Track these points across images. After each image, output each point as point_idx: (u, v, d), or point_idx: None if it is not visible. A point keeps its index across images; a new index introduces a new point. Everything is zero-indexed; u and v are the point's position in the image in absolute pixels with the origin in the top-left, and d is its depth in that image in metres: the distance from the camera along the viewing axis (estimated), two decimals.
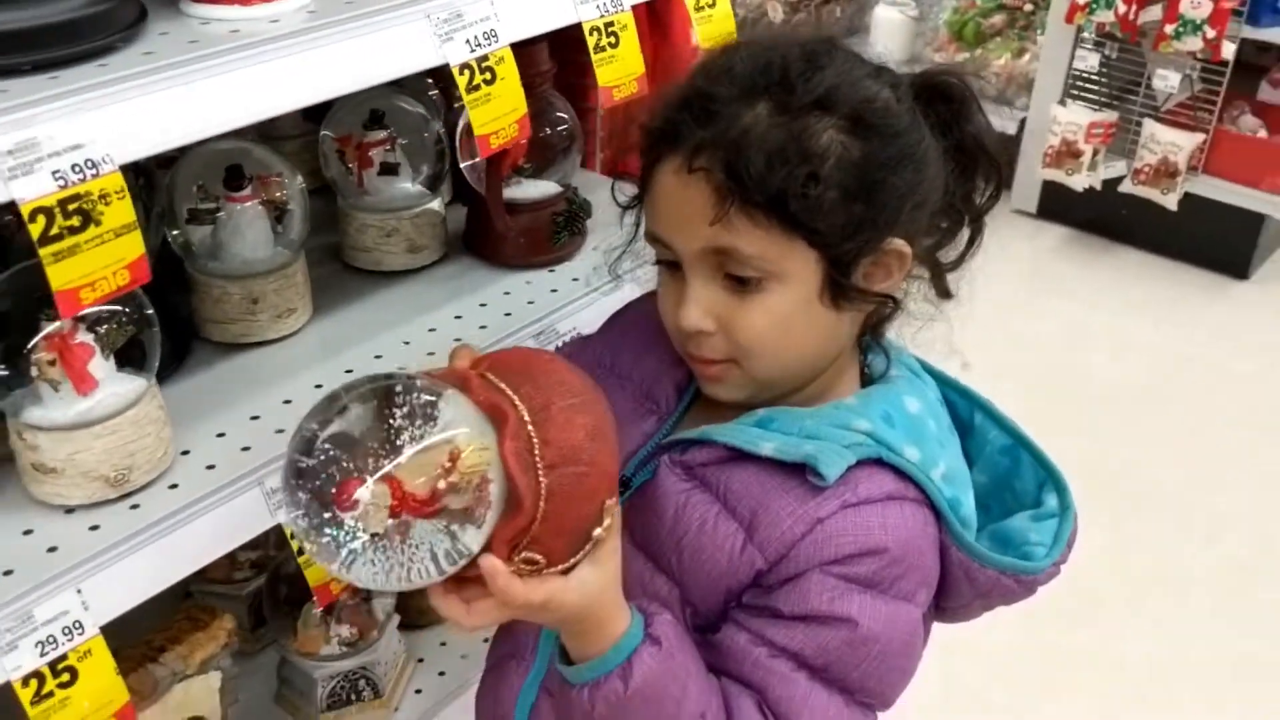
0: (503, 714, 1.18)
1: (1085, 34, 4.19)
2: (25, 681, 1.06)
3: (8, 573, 1.09)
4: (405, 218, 1.56)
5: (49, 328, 1.11)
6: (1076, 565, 2.98)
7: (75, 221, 0.94)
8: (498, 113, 1.25)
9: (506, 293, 1.56)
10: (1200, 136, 4.11)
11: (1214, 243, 4.29)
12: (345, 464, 0.82)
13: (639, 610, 0.98)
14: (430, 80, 1.68)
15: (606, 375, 1.16)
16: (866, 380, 1.13)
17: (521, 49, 1.37)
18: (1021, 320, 4.17)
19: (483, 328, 1.48)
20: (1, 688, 1.05)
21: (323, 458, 0.83)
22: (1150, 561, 3.01)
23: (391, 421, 0.83)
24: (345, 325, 1.48)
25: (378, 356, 1.42)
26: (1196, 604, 2.89)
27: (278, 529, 1.25)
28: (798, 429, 1.02)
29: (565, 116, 1.60)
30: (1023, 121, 4.52)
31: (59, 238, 0.93)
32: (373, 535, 0.82)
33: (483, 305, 1.53)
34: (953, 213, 1.08)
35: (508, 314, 1.51)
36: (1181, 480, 3.31)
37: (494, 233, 1.56)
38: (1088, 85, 4.30)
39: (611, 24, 1.36)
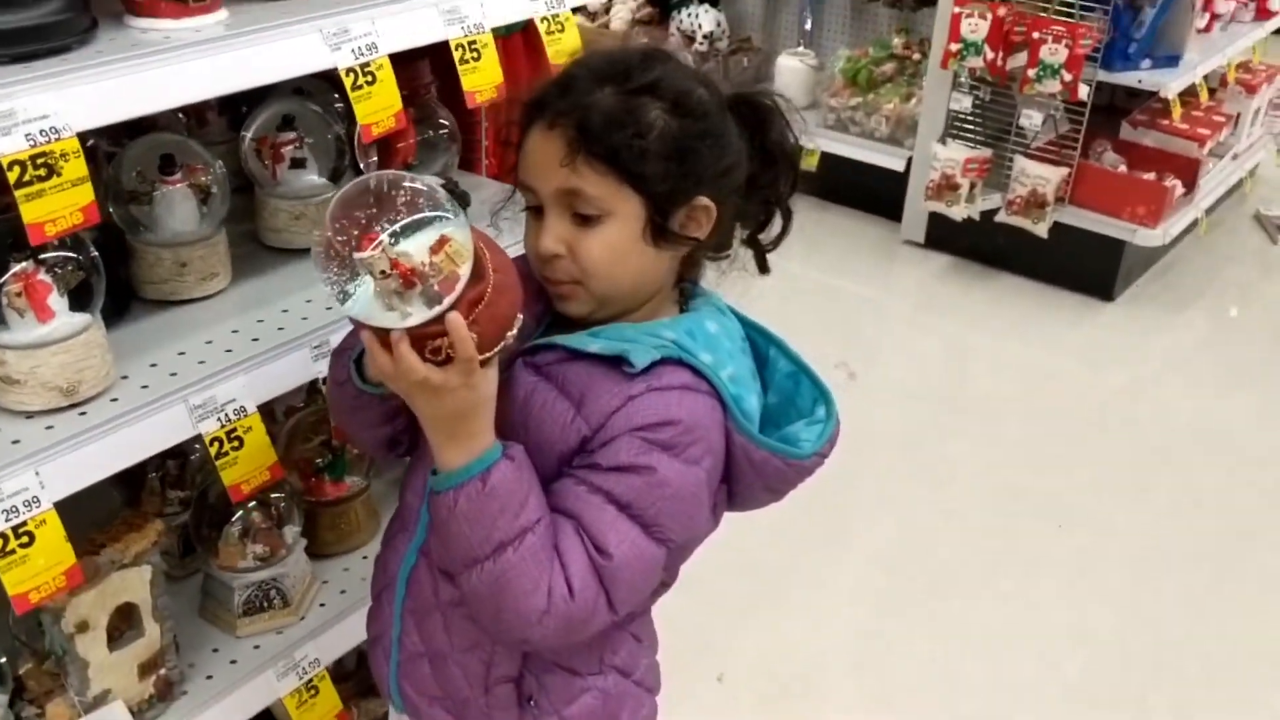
0: (389, 578, 1.50)
1: (960, 78, 4.61)
2: None
3: None
4: (311, 204, 1.88)
5: (17, 266, 1.42)
6: (942, 546, 3.41)
7: (42, 172, 1.26)
8: (377, 107, 1.58)
9: None
10: (1066, 170, 4.54)
11: (1081, 268, 4.70)
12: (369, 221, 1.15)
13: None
14: (336, 95, 2.01)
15: None
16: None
17: (406, 64, 1.72)
18: (909, 337, 4.56)
19: None
20: None
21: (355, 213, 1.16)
22: (1003, 545, 3.37)
23: (405, 198, 1.17)
24: (259, 290, 1.80)
25: (284, 311, 1.73)
26: (1046, 584, 3.23)
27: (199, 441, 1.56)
28: (620, 335, 1.34)
29: (446, 121, 1.94)
30: (909, 160, 4.93)
31: (30, 184, 1.26)
32: (377, 276, 1.14)
33: None
34: (761, 199, 1.41)
35: None
36: (1041, 477, 3.67)
37: None
38: (965, 125, 4.73)
39: (474, 42, 1.70)
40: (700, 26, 5.46)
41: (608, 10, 5.72)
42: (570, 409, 1.32)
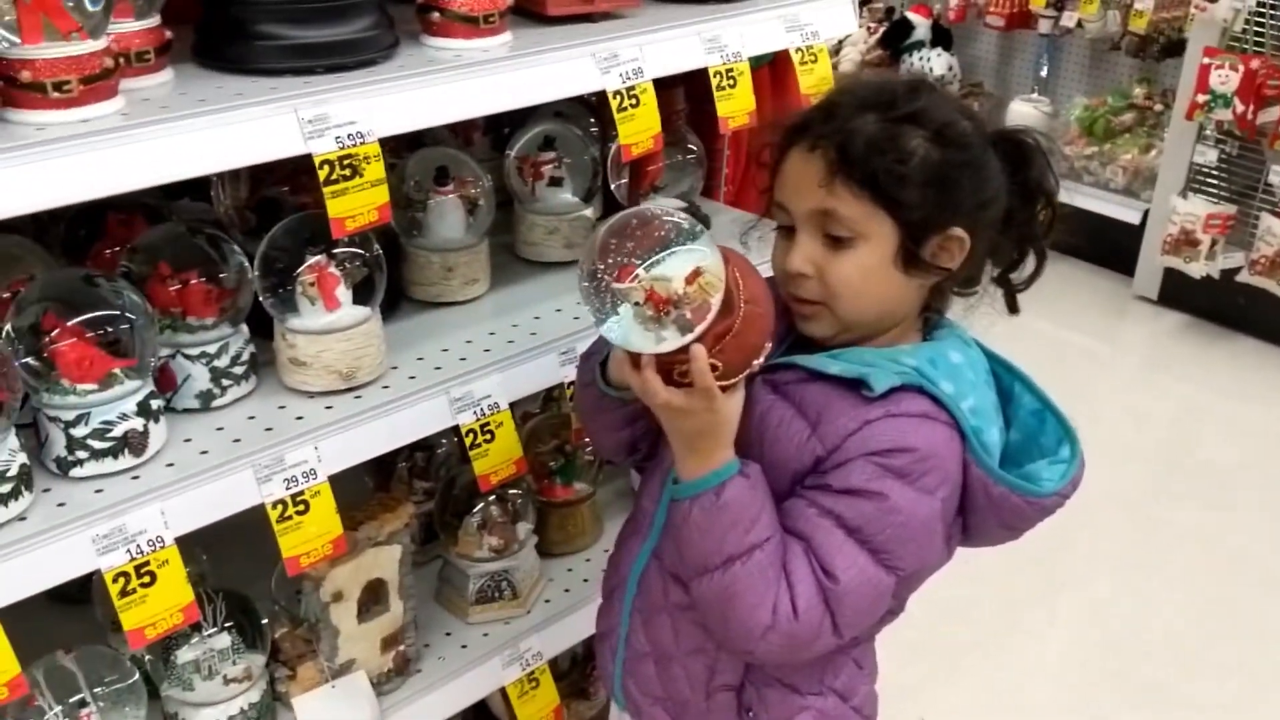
0: (621, 578, 1.56)
1: (1205, 131, 4.44)
2: (274, 505, 1.49)
3: (268, 429, 1.53)
4: (565, 220, 2.00)
5: (312, 259, 1.56)
6: (1162, 613, 3.24)
7: (347, 172, 1.40)
8: (639, 129, 1.67)
9: None
10: None
11: None
12: (626, 255, 1.25)
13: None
14: (593, 120, 2.12)
15: None
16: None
17: (662, 90, 1.80)
18: (1136, 396, 4.39)
19: None
20: (256, 509, 1.49)
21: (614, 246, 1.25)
22: (1228, 616, 3.20)
23: (662, 231, 1.25)
24: (514, 296, 1.92)
25: (536, 318, 1.84)
26: (1273, 653, 3.06)
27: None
28: (860, 359, 1.36)
29: (694, 146, 2.02)
30: (1145, 212, 4.78)
31: (336, 182, 1.39)
32: (633, 304, 1.23)
33: None
34: (1017, 237, 1.41)
35: None
36: (1274, 549, 3.47)
37: None
38: (1208, 179, 4.55)
39: (732, 70, 1.77)
40: (931, 70, 5.44)
41: (837, 52, 5.76)
42: (806, 429, 1.34)
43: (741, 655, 1.41)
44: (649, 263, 1.23)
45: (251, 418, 1.56)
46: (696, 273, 1.22)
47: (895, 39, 5.61)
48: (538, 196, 2.02)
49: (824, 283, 1.35)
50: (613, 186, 2.04)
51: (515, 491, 1.97)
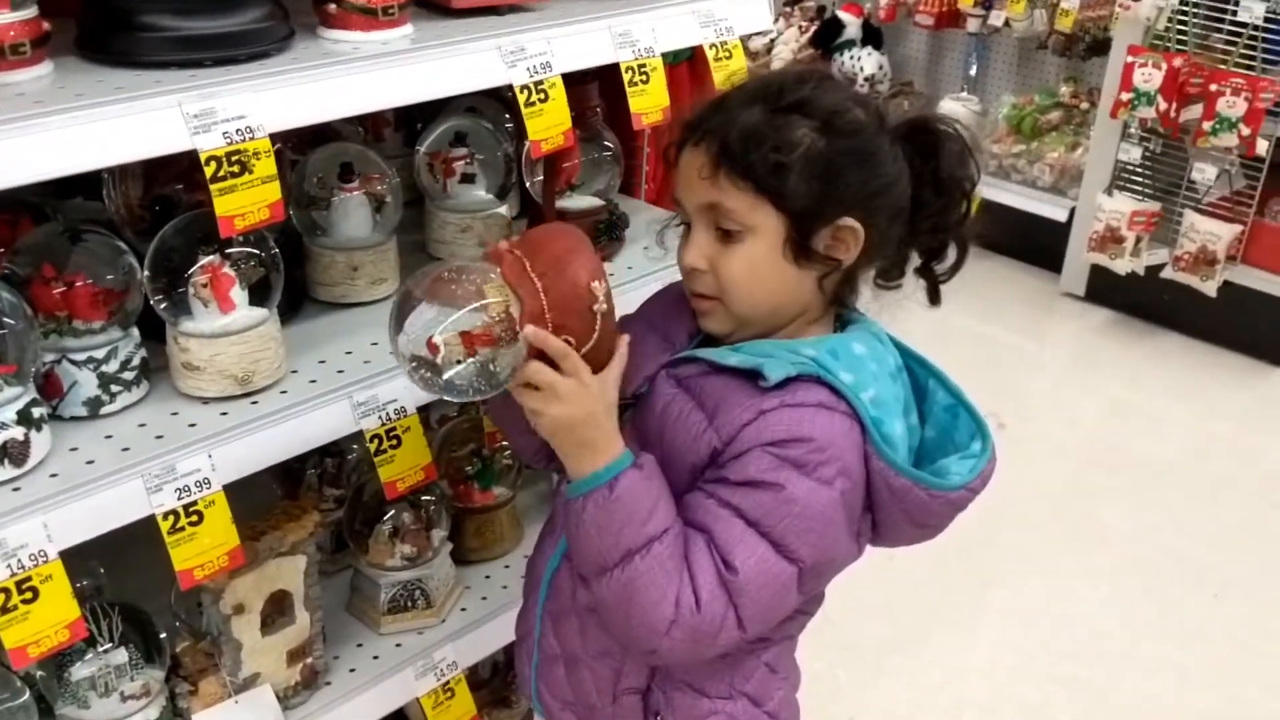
0: (535, 580, 1.54)
1: (1130, 129, 4.49)
2: (165, 516, 1.43)
3: (159, 437, 1.47)
4: (478, 218, 1.95)
5: (204, 260, 1.50)
6: (1088, 610, 3.27)
7: (235, 169, 1.34)
8: (548, 124, 1.63)
9: None
10: (1239, 228, 4.37)
11: (1250, 329, 4.51)
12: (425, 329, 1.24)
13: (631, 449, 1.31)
14: (507, 115, 2.07)
15: (644, 324, 1.50)
16: None
17: (575, 86, 1.76)
18: (1063, 392, 4.43)
19: None
20: (148, 520, 1.43)
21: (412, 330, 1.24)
22: (1155, 613, 3.23)
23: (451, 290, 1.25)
24: None
25: None
26: (1203, 655, 3.09)
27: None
28: (759, 351, 1.34)
29: (610, 144, 1.98)
30: (1072, 210, 4.82)
31: (224, 179, 1.33)
32: (456, 362, 1.23)
33: None
34: (930, 228, 1.38)
35: None
36: (1198, 544, 3.51)
37: None
38: (1133, 177, 4.60)
39: (644, 65, 1.74)
40: (862, 69, 5.45)
41: (769, 50, 5.76)
42: (704, 420, 1.32)
43: (646, 657, 1.38)
44: (441, 327, 1.23)
45: (142, 425, 1.49)
46: (481, 296, 1.23)
47: (826, 38, 5.62)
48: (449, 194, 1.97)
49: (717, 278, 1.33)
50: (528, 184, 1.99)
51: (428, 498, 1.92)
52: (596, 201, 1.99)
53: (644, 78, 1.74)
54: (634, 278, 1.94)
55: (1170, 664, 3.04)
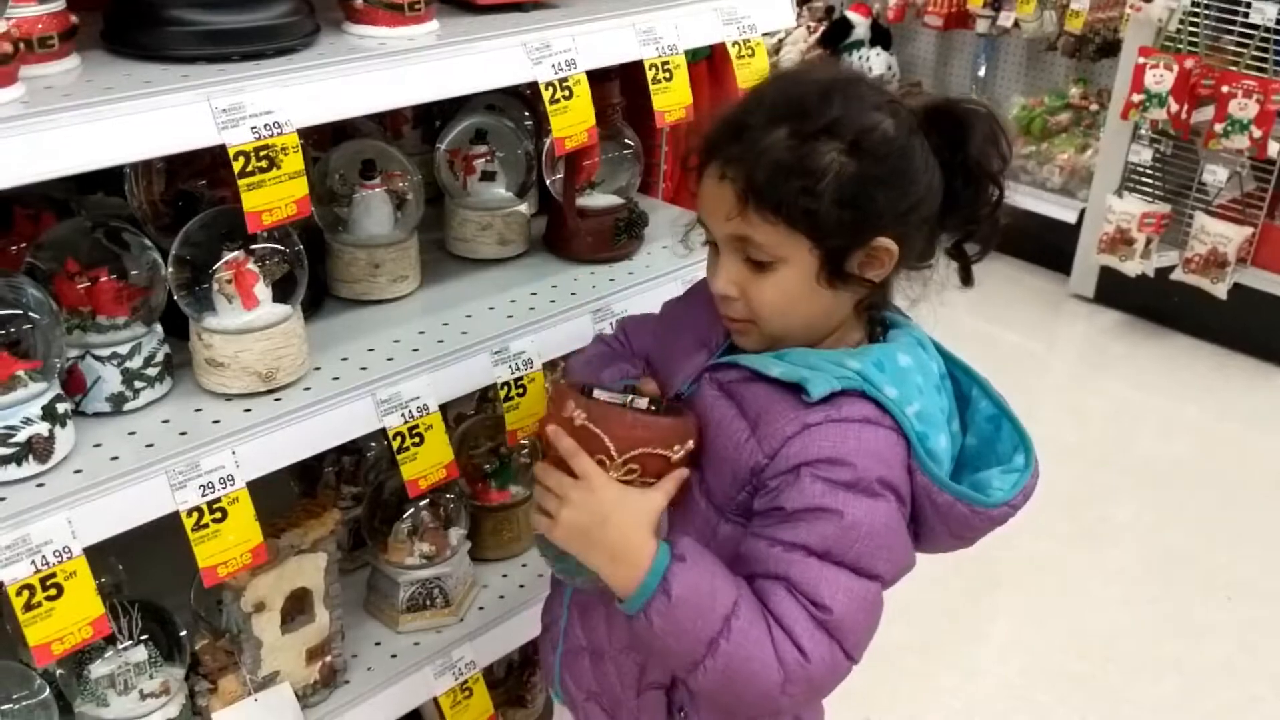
0: (551, 618, 1.55)
1: (1140, 130, 4.48)
2: (189, 513, 1.42)
3: (182, 433, 1.46)
4: (498, 216, 1.94)
5: (228, 255, 1.49)
6: (1100, 611, 3.22)
7: (264, 164, 1.33)
8: (572, 121, 1.62)
9: (574, 279, 1.92)
10: (1249, 230, 4.36)
11: (1260, 331, 4.50)
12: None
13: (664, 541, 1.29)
14: (526, 113, 2.07)
15: (678, 326, 1.50)
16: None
17: (597, 83, 1.76)
18: (1072, 394, 4.42)
19: (552, 302, 1.84)
20: (170, 516, 1.42)
21: None
22: (1167, 614, 3.22)
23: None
24: (445, 294, 1.86)
25: (468, 316, 1.78)
26: (1214, 656, 3.07)
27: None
28: (803, 361, 1.32)
29: (631, 142, 1.98)
30: (1082, 211, 4.81)
31: (252, 174, 1.33)
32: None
33: (554, 287, 1.89)
34: (963, 218, 1.35)
35: (573, 294, 1.87)
36: (1210, 546, 3.50)
37: (568, 232, 1.93)
38: (1143, 178, 4.59)
39: (668, 63, 1.73)
40: (871, 69, 5.44)
41: (777, 50, 5.75)
42: (746, 429, 1.30)
43: (770, 715, 1.34)
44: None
45: (166, 421, 1.49)
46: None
47: (835, 38, 5.60)
48: (469, 191, 1.96)
49: (749, 304, 1.32)
50: (548, 181, 1.99)
51: (447, 496, 1.92)
52: (616, 200, 1.99)
53: (668, 75, 1.73)
54: (653, 276, 1.94)
55: (1183, 665, 3.03)
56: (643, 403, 1.31)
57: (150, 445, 1.43)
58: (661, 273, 1.94)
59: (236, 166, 1.31)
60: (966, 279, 1.39)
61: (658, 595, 1.23)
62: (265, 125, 1.33)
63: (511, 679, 2.23)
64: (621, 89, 1.96)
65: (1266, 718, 2.88)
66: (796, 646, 1.23)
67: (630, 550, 1.25)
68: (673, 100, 1.74)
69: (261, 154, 1.33)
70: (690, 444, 1.30)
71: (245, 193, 1.32)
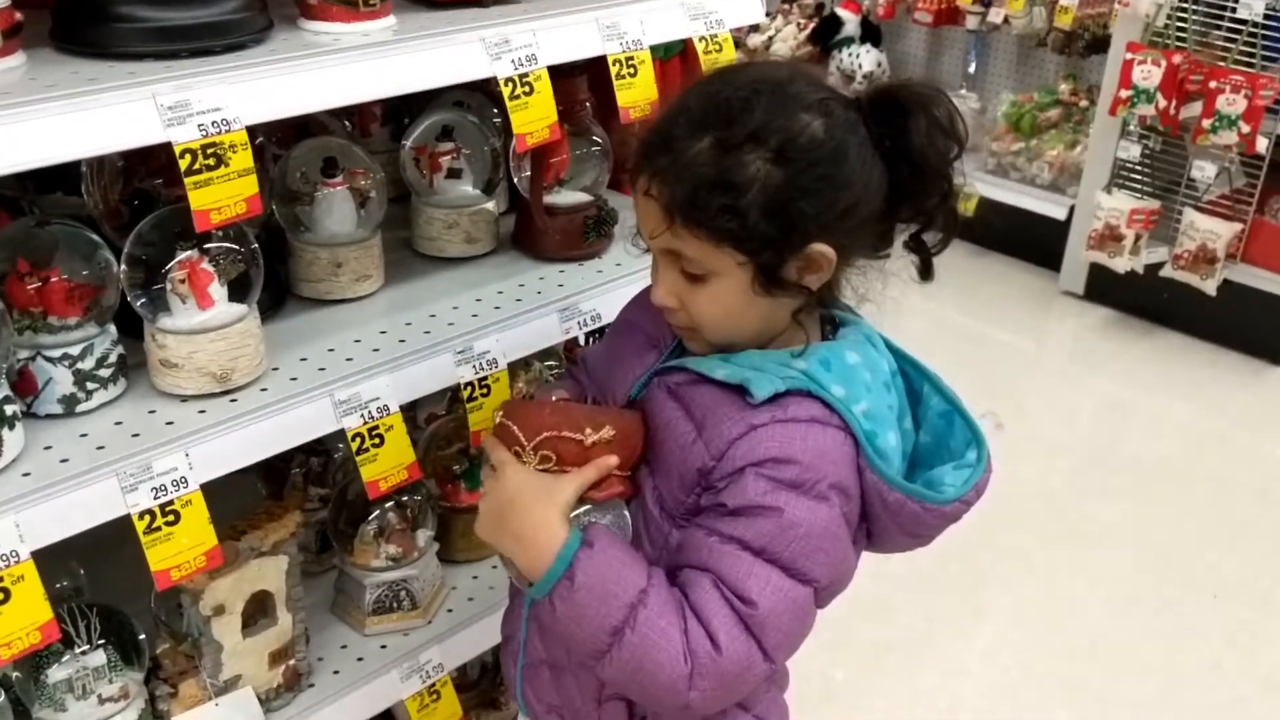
0: (511, 630, 1.53)
1: (1129, 126, 4.46)
2: (141, 516, 1.40)
3: (135, 435, 1.44)
4: (465, 214, 1.92)
5: (182, 255, 1.47)
6: (1086, 610, 3.21)
7: (211, 161, 1.31)
8: (533, 118, 1.60)
9: (541, 278, 1.90)
10: (1239, 226, 4.34)
11: (1250, 328, 4.48)
12: None
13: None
14: (495, 109, 2.05)
15: (629, 327, 1.49)
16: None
17: (563, 79, 1.74)
18: (1062, 391, 4.40)
19: (518, 301, 1.82)
20: (121, 520, 1.40)
21: None
22: (1153, 614, 3.20)
23: None
24: (410, 293, 1.84)
25: (431, 316, 1.76)
26: (1201, 656, 3.05)
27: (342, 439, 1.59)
28: (748, 362, 1.30)
29: (599, 138, 1.96)
30: (1071, 208, 4.79)
31: (199, 172, 1.30)
32: None
33: (521, 286, 1.87)
34: (913, 210, 1.31)
35: (539, 293, 1.85)
36: (1197, 545, 3.48)
37: (536, 230, 1.91)
38: (1132, 175, 4.57)
39: (632, 58, 1.71)
40: (860, 66, 5.42)
41: (767, 48, 5.73)
42: (692, 431, 1.29)
43: (681, 713, 1.30)
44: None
45: (118, 423, 1.47)
46: None
47: (825, 35, 5.59)
48: (436, 189, 1.94)
49: (689, 313, 1.30)
50: (515, 179, 1.96)
51: (415, 497, 1.90)
52: (585, 197, 1.96)
53: (632, 71, 1.71)
54: (623, 274, 1.91)
55: (1170, 665, 3.01)
56: (563, 394, 1.35)
57: (101, 447, 1.41)
58: (631, 271, 1.92)
59: (183, 164, 1.29)
60: (926, 273, 1.36)
61: (562, 581, 1.22)
62: (213, 122, 1.31)
63: (485, 681, 2.21)
64: (590, 85, 1.94)
65: (1253, 718, 2.86)
66: (710, 638, 1.22)
67: (536, 533, 1.25)
68: (638, 96, 1.72)
69: (209, 151, 1.31)
70: (608, 430, 1.29)
71: (192, 191, 1.30)
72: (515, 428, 1.29)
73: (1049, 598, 3.24)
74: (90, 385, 1.47)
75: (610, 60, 1.68)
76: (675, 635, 1.21)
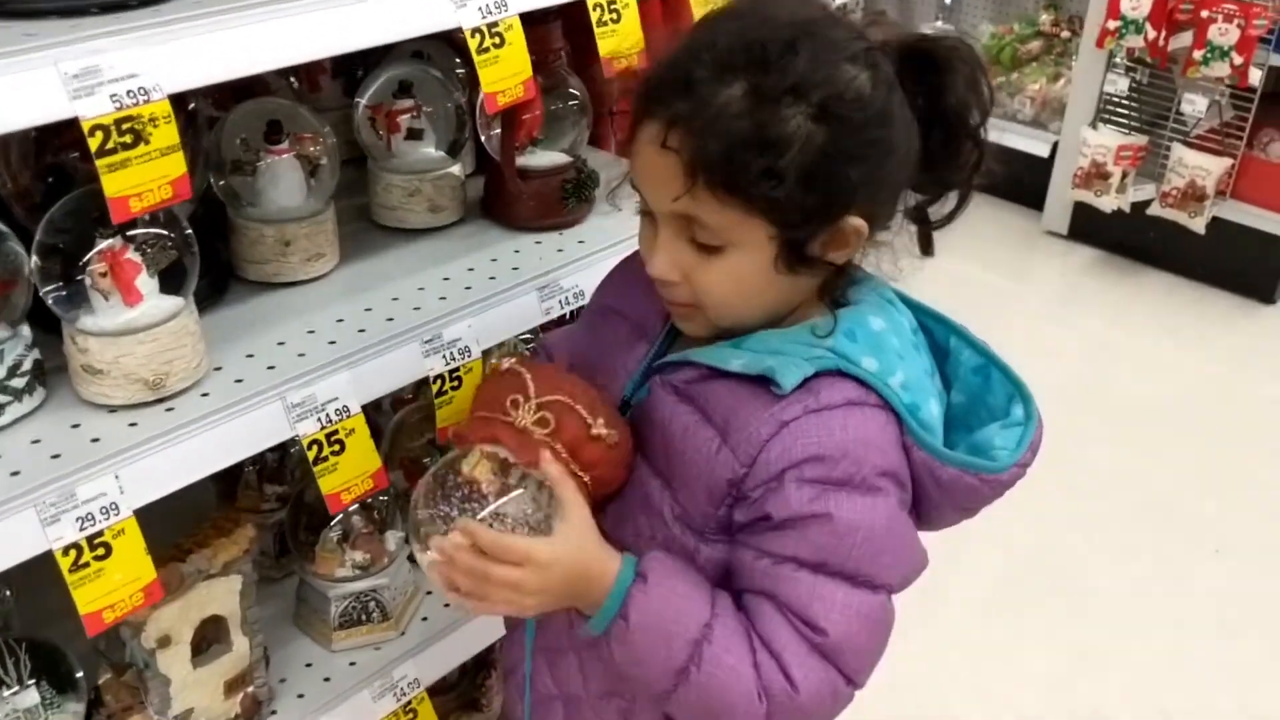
0: (513, 663, 1.39)
1: (1116, 59, 4.28)
2: (65, 551, 1.21)
3: (55, 456, 1.24)
4: (427, 179, 1.71)
5: (103, 244, 1.27)
6: (1080, 560, 3.07)
7: (128, 139, 1.10)
8: (505, 74, 1.40)
9: (517, 251, 1.70)
10: (1229, 161, 4.19)
11: (1240, 267, 4.35)
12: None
13: (632, 555, 1.13)
14: (459, 60, 1.83)
15: (608, 314, 1.32)
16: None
17: (535, 26, 1.53)
18: (1048, 334, 4.26)
19: (492, 279, 1.62)
20: (43, 556, 1.21)
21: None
22: (1150, 566, 3.09)
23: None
24: (369, 272, 1.63)
25: (395, 299, 1.56)
26: (1199, 604, 2.96)
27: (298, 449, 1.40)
28: (765, 347, 1.13)
29: (576, 92, 1.75)
30: (1055, 145, 4.62)
31: (114, 152, 1.10)
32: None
33: (494, 260, 1.67)
34: (937, 180, 1.16)
35: (515, 268, 1.65)
36: (1193, 492, 3.38)
37: (508, 196, 1.71)
38: (1118, 109, 4.39)
39: (614, 2, 1.50)
40: None
41: None
42: (715, 436, 1.12)
43: None
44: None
45: (36, 442, 1.27)
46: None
47: None
48: (394, 152, 1.73)
49: (693, 290, 1.12)
50: (483, 139, 1.76)
51: (381, 497, 1.71)
52: (563, 158, 1.76)
53: (614, 16, 1.51)
54: (608, 244, 1.72)
55: (1170, 621, 2.90)
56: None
57: (16, 473, 1.21)
58: (616, 240, 1.72)
59: (93, 144, 1.08)
60: (927, 247, 1.21)
61: (617, 621, 1.09)
62: (128, 92, 1.10)
63: (464, 683, 2.05)
64: (565, 31, 1.73)
65: (1257, 678, 2.76)
66: (785, 675, 1.08)
67: (590, 585, 1.11)
68: (622, 44, 1.52)
69: (125, 127, 1.09)
70: (614, 436, 1.14)
71: (106, 175, 1.09)
72: (528, 375, 1.14)
73: (1043, 546, 3.12)
74: (2, 399, 1.27)
75: (590, 5, 1.48)
76: (746, 672, 1.08)
